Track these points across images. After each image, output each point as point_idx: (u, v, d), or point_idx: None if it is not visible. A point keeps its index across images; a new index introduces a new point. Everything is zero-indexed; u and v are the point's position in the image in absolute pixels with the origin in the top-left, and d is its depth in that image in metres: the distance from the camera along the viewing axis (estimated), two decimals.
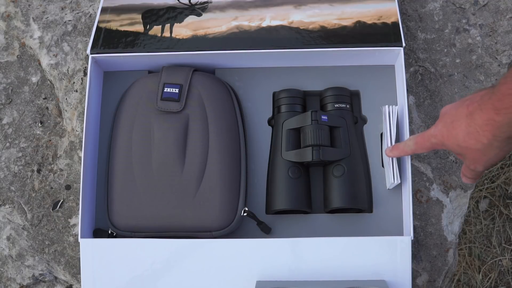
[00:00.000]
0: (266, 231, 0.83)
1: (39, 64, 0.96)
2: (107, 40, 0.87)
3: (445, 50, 0.93)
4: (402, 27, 0.87)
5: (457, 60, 0.93)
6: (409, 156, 0.80)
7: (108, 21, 0.89)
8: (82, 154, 0.84)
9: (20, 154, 0.92)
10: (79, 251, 0.81)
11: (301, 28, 0.87)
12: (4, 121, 0.94)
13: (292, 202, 0.82)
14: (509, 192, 1.58)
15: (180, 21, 0.89)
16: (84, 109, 0.89)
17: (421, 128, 0.89)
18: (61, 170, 0.91)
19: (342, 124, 0.84)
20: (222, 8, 0.90)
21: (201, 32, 0.88)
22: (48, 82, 0.95)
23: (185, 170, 0.82)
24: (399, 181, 0.80)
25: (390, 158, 0.81)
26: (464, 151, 0.65)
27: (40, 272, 0.88)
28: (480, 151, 0.64)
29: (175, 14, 0.90)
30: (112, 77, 0.91)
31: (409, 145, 0.75)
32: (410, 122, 0.89)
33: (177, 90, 0.85)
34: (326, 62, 0.89)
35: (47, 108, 0.94)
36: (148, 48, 0.87)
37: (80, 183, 0.82)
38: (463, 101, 0.65)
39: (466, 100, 0.65)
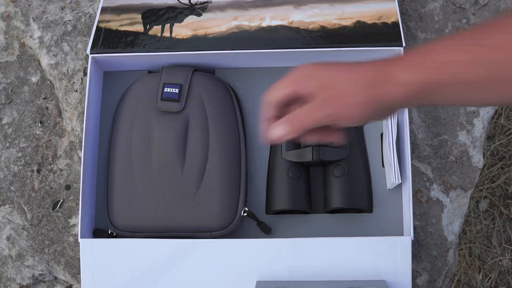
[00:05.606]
0: (266, 231, 0.83)
1: (39, 64, 0.95)
2: (107, 40, 0.87)
3: None
4: (402, 27, 0.87)
5: None
6: (409, 156, 0.80)
7: (108, 21, 0.89)
8: (82, 154, 0.84)
9: (20, 154, 0.92)
10: (79, 251, 0.81)
11: (301, 28, 0.87)
12: (4, 121, 0.93)
13: (292, 202, 0.82)
14: (509, 192, 1.58)
15: (180, 21, 0.89)
16: (84, 109, 0.89)
17: (421, 128, 0.89)
18: (61, 170, 0.91)
19: None
20: (222, 8, 0.90)
21: (201, 32, 0.88)
22: (48, 82, 0.95)
23: (185, 170, 0.82)
24: (400, 181, 0.80)
25: (392, 158, 0.81)
26: (329, 89, 0.58)
27: (40, 272, 0.88)
28: (350, 97, 0.56)
29: (175, 14, 0.90)
30: (112, 77, 0.91)
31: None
32: (410, 122, 0.89)
33: (177, 90, 0.85)
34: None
35: (47, 108, 0.94)
36: (148, 48, 0.87)
37: (80, 183, 0.82)
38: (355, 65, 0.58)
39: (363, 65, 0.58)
